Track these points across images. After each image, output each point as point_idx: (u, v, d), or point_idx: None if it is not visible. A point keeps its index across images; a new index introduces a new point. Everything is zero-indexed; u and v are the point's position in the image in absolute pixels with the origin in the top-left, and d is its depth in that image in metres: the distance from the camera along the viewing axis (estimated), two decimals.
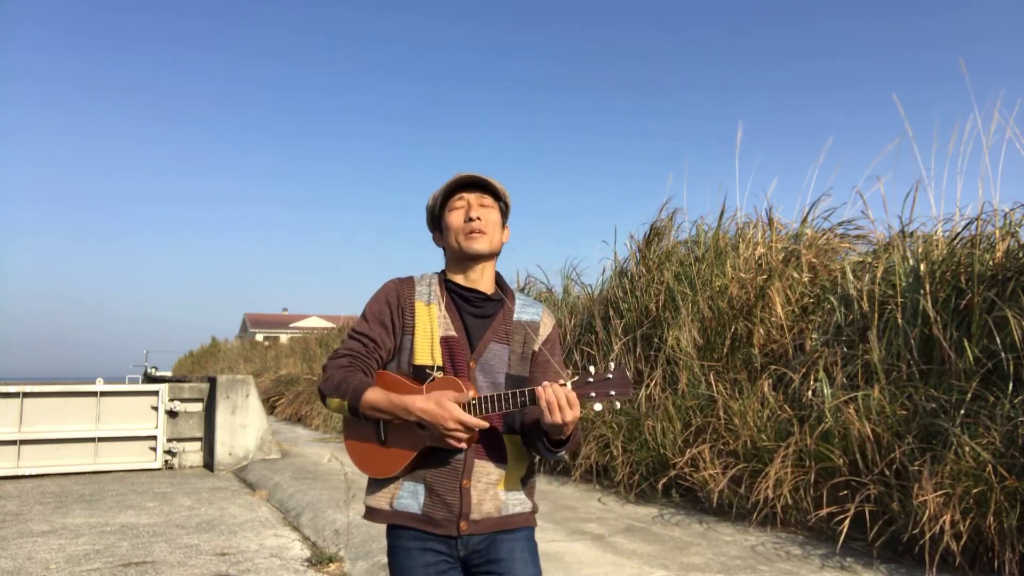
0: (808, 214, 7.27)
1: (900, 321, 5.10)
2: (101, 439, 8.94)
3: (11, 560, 4.79)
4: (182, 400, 9.52)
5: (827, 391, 5.11)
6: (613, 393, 1.68)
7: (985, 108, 5.42)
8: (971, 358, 4.61)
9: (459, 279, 1.93)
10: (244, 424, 9.30)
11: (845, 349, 5.42)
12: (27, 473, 8.46)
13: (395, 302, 1.90)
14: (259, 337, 38.89)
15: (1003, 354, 4.49)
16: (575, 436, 1.82)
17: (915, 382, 4.84)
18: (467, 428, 1.71)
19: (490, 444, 1.84)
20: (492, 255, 1.94)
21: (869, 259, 6.17)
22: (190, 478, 8.58)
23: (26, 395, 8.67)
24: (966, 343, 4.66)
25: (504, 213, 1.98)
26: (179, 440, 9.46)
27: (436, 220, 1.98)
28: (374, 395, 1.77)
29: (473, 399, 1.75)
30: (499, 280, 2.00)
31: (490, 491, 1.83)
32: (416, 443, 1.80)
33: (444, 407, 1.71)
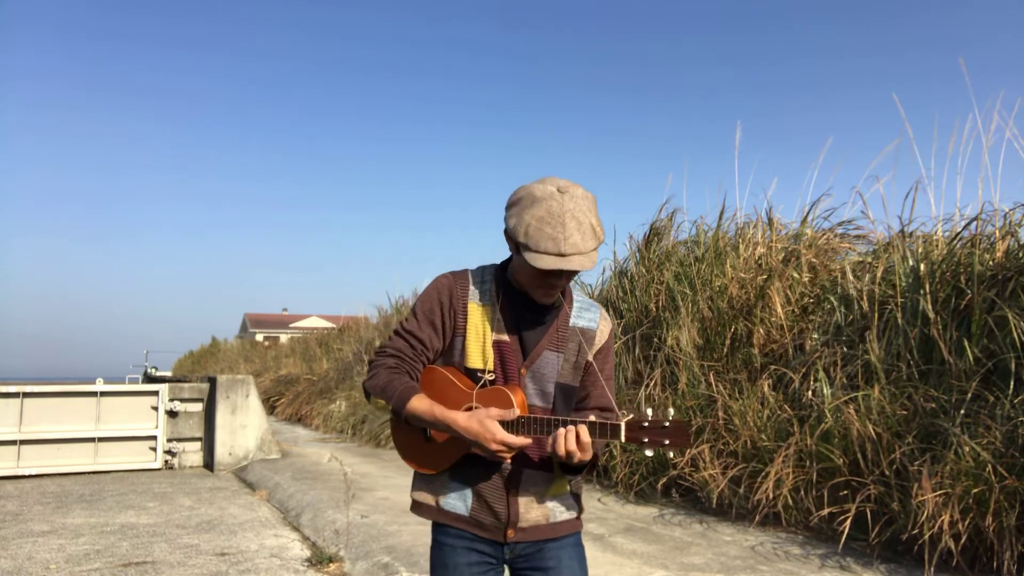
0: (808, 214, 7.28)
1: (900, 321, 5.10)
2: (101, 439, 8.94)
3: (11, 560, 4.79)
4: (182, 400, 9.52)
5: (827, 391, 5.11)
6: (667, 443, 1.61)
7: (985, 108, 5.43)
8: (971, 358, 4.61)
9: (519, 284, 1.83)
10: (244, 424, 9.30)
11: (845, 349, 5.42)
12: (27, 473, 8.46)
13: (447, 302, 1.82)
14: (259, 337, 38.90)
15: (1003, 354, 4.49)
16: (588, 472, 1.81)
17: (915, 382, 4.85)
18: (510, 447, 1.69)
19: (538, 455, 1.82)
20: None
21: (869, 259, 6.17)
22: (190, 478, 8.58)
23: (26, 395, 8.66)
24: (966, 343, 4.66)
25: None
26: (179, 440, 9.46)
27: (517, 244, 1.72)
28: (419, 404, 1.72)
29: (522, 417, 1.71)
30: None
31: (537, 499, 1.81)
32: (461, 444, 1.76)
33: (487, 428, 1.66)
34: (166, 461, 9.28)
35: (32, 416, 8.65)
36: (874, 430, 4.69)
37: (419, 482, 1.89)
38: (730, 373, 6.23)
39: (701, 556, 4.49)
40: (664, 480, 5.92)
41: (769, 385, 5.69)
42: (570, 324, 1.86)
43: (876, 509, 4.44)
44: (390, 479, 7.67)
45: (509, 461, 1.78)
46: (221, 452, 9.10)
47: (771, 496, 4.94)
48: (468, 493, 1.80)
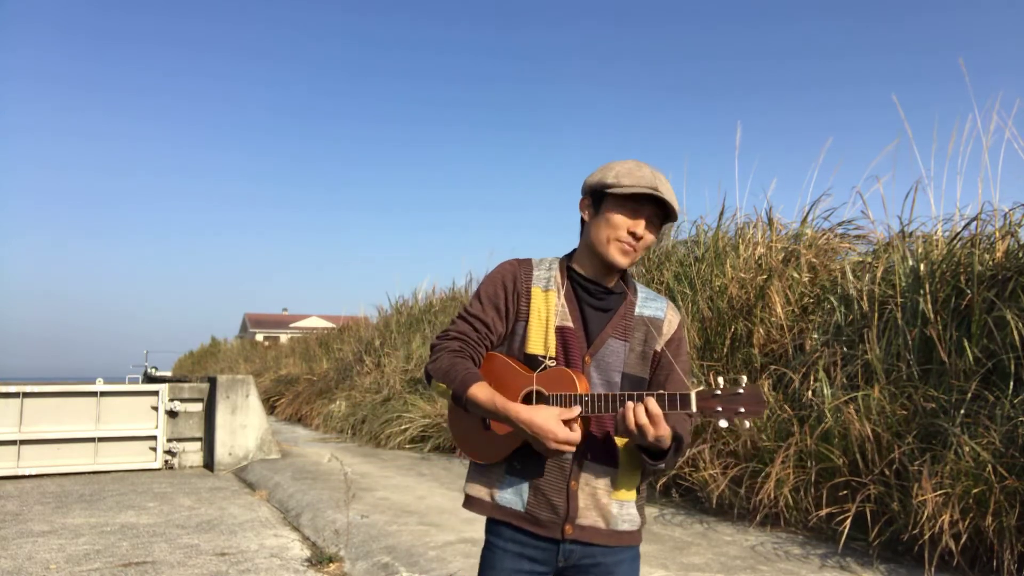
0: (808, 214, 7.28)
1: (900, 321, 5.10)
2: (101, 439, 8.94)
3: (11, 560, 4.79)
4: (182, 400, 9.51)
5: (827, 391, 5.11)
6: (743, 411, 1.53)
7: (984, 108, 5.43)
8: (971, 358, 4.61)
9: (585, 271, 1.81)
10: (244, 424, 9.30)
11: (845, 349, 5.42)
12: (27, 473, 8.45)
13: (511, 286, 1.79)
14: (259, 337, 38.90)
15: (1003, 354, 4.49)
16: (676, 450, 1.70)
17: (915, 382, 4.85)
18: (572, 444, 1.62)
19: (601, 446, 1.74)
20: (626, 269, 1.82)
21: (869, 259, 6.17)
22: (190, 478, 8.58)
23: (26, 395, 8.66)
24: (966, 343, 4.66)
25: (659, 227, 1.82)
26: (179, 440, 9.45)
27: (599, 198, 1.77)
28: (480, 392, 1.67)
29: (585, 395, 1.65)
30: (623, 274, 1.86)
31: (599, 498, 1.74)
32: (521, 434, 1.69)
33: (549, 425, 1.60)
34: (166, 461, 9.28)
35: (32, 416, 8.65)
36: (874, 430, 4.69)
37: (474, 474, 1.82)
38: (730, 373, 6.23)
39: (701, 556, 4.49)
40: (664, 480, 5.92)
41: (769, 385, 5.69)
42: (636, 313, 1.81)
43: (876, 509, 4.44)
44: (390, 479, 7.67)
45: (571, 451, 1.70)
46: (221, 452, 9.10)
47: (771, 496, 4.94)
48: (525, 487, 1.73)
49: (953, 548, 3.96)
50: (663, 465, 1.71)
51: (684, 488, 5.91)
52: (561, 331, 1.75)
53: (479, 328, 1.78)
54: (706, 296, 6.78)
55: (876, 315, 5.32)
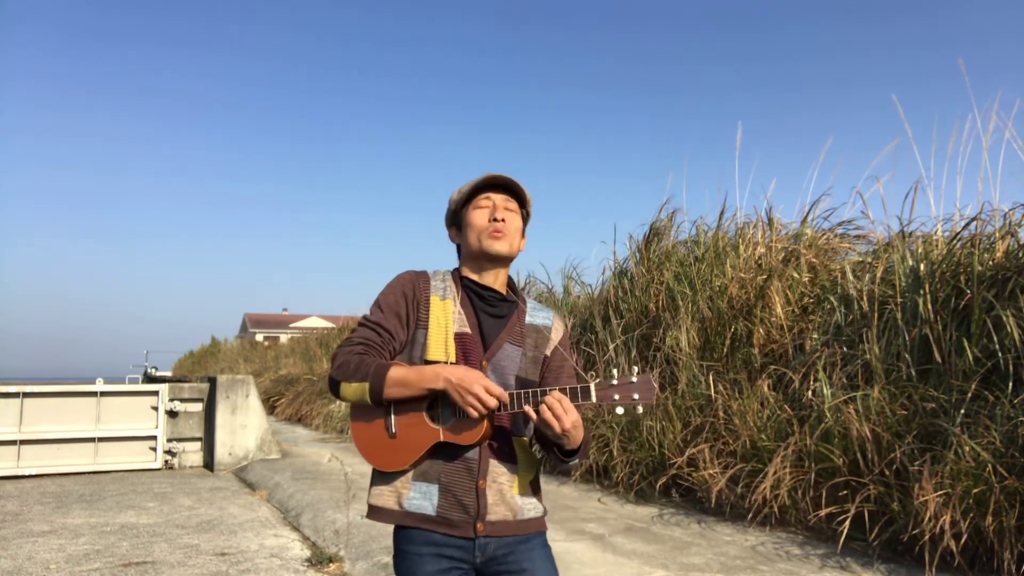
0: (808, 214, 7.28)
1: (900, 321, 5.10)
2: (101, 439, 8.94)
3: (11, 560, 4.79)
4: (182, 400, 9.52)
5: (827, 391, 5.11)
6: (636, 397, 1.66)
7: (984, 108, 5.43)
8: (971, 358, 4.61)
9: (474, 278, 1.91)
10: (244, 424, 9.30)
11: (845, 349, 5.42)
12: (27, 473, 8.46)
13: (411, 295, 1.86)
14: (259, 337, 38.89)
15: (1002, 354, 4.49)
16: (585, 446, 1.81)
17: (915, 382, 4.85)
18: (492, 395, 1.69)
19: (501, 445, 1.82)
20: (509, 258, 1.92)
21: (869, 259, 6.17)
22: (190, 478, 8.58)
23: (26, 395, 8.67)
24: (966, 343, 4.66)
25: (525, 220, 1.95)
26: (179, 440, 9.46)
27: (455, 216, 1.95)
28: (400, 370, 1.73)
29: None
30: (511, 283, 1.98)
31: (504, 493, 1.81)
32: (428, 438, 1.75)
33: (471, 371, 1.71)
34: (166, 461, 9.28)
35: (32, 416, 8.65)
36: (874, 430, 4.69)
37: (378, 482, 1.82)
38: (730, 373, 6.23)
39: (701, 556, 4.49)
40: (664, 480, 5.92)
41: (769, 385, 5.69)
42: (527, 321, 1.93)
43: (876, 509, 4.44)
44: None
45: (477, 450, 1.77)
46: (221, 452, 9.10)
47: (770, 496, 4.94)
48: (434, 490, 1.76)
49: (953, 548, 3.96)
50: (575, 461, 1.82)
51: (684, 488, 5.91)
52: (460, 337, 1.83)
53: (382, 334, 1.83)
54: (706, 296, 6.78)
55: (876, 315, 5.32)
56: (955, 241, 5.31)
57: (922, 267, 5.21)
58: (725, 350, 6.45)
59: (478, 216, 1.88)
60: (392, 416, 1.78)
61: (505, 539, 1.79)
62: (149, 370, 25.37)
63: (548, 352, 1.93)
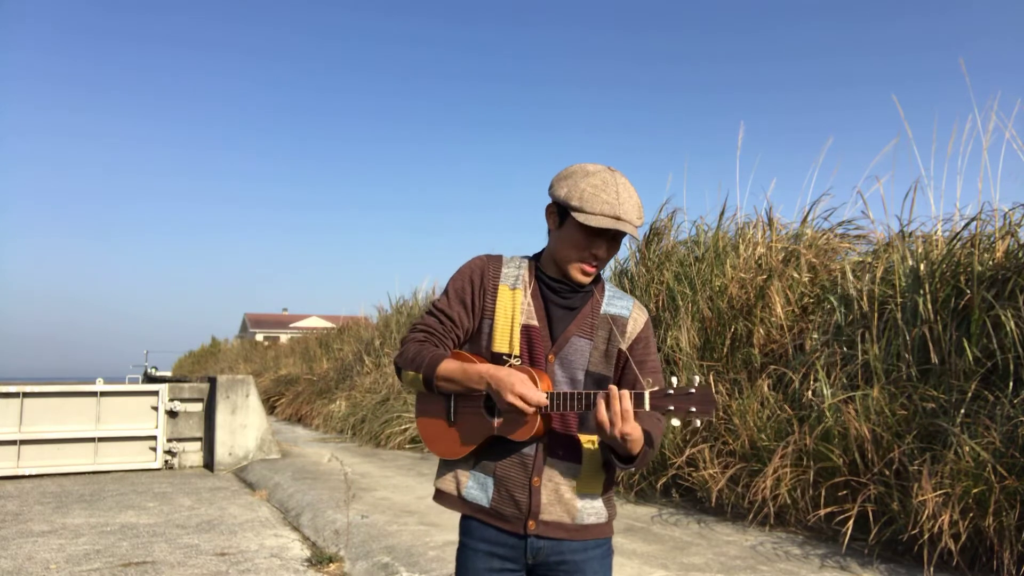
0: (808, 214, 7.29)
1: (900, 321, 5.11)
2: (101, 439, 8.94)
3: (11, 560, 4.79)
4: (182, 400, 9.51)
5: (827, 391, 5.11)
6: (694, 410, 1.56)
7: (984, 108, 5.43)
8: (971, 358, 4.61)
9: (551, 273, 1.82)
10: (244, 424, 9.30)
11: (845, 349, 5.42)
12: (27, 473, 8.45)
13: (478, 282, 1.80)
14: (259, 337, 38.90)
15: (1002, 354, 4.49)
16: (644, 454, 1.69)
17: (915, 382, 4.85)
18: (527, 403, 1.62)
19: (564, 444, 1.75)
20: None
21: (869, 259, 6.17)
22: (190, 478, 8.58)
23: (26, 395, 8.66)
24: (966, 343, 4.66)
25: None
26: (179, 440, 9.45)
27: (564, 213, 1.74)
28: (449, 365, 1.71)
29: (546, 393, 1.66)
30: None
31: (561, 493, 1.74)
32: (484, 430, 1.73)
33: (512, 375, 1.64)
34: (166, 461, 9.28)
35: (32, 416, 8.65)
36: (873, 430, 4.69)
37: (443, 469, 1.85)
38: (730, 373, 6.23)
39: (701, 556, 4.49)
40: (664, 480, 5.93)
41: (769, 385, 5.69)
42: (601, 311, 1.81)
43: (876, 509, 4.44)
44: (390, 479, 7.67)
45: (533, 447, 1.73)
46: (221, 452, 9.10)
47: (770, 496, 4.94)
48: (490, 482, 1.75)
49: (953, 548, 3.96)
50: (632, 467, 1.72)
51: (684, 488, 5.91)
52: (526, 329, 1.77)
53: (444, 322, 1.80)
54: (706, 296, 6.78)
55: (876, 315, 5.33)
56: (955, 241, 5.32)
57: (922, 267, 5.21)
58: (725, 350, 6.46)
59: (581, 242, 1.72)
60: (452, 404, 1.79)
61: (559, 544, 1.74)
62: (149, 370, 25.38)
63: (624, 346, 1.80)
